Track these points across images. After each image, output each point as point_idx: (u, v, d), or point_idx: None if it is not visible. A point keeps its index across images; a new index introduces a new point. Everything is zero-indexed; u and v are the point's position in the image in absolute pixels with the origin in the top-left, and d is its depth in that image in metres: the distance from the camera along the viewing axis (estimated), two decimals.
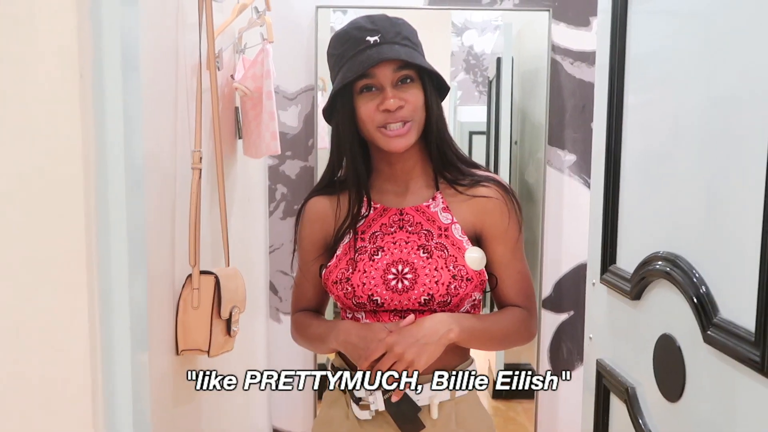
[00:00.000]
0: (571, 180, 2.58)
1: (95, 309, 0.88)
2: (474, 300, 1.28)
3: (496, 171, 3.06)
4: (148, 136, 1.13)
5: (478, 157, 3.79)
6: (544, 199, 2.57)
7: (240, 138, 2.15)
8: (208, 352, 1.35)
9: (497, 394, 3.14)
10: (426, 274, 1.22)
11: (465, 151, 4.06)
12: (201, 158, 1.48)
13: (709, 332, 1.22)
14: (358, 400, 1.24)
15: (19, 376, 0.81)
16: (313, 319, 1.36)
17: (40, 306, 0.82)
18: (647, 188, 1.52)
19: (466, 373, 1.28)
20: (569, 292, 2.60)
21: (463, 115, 4.06)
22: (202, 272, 1.39)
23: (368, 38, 1.19)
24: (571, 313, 2.61)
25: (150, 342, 1.17)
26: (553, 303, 2.61)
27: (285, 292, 2.63)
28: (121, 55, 0.93)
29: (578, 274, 2.59)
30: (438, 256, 1.23)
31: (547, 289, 2.60)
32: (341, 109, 1.24)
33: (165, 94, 1.40)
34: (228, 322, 1.43)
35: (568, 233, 2.58)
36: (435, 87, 1.26)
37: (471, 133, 4.04)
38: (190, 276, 1.39)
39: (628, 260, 1.60)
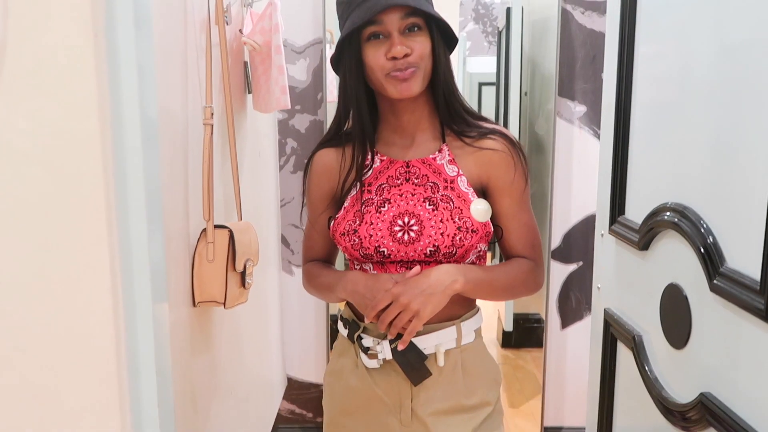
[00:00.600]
0: (581, 131, 2.58)
1: (116, 261, 0.90)
2: (479, 251, 1.30)
3: (505, 122, 3.06)
4: (160, 93, 1.14)
5: (488, 108, 3.77)
6: (553, 151, 2.57)
7: (249, 93, 2.15)
8: (224, 303, 1.38)
9: (506, 343, 3.20)
10: (432, 226, 1.24)
11: (474, 102, 4.06)
12: (212, 114, 1.49)
13: (715, 281, 1.24)
14: (366, 350, 1.27)
15: (46, 328, 0.84)
16: (322, 269, 1.39)
17: (63, 260, 0.85)
18: (657, 139, 1.52)
19: (472, 321, 1.31)
20: (578, 243, 2.62)
21: (472, 65, 4.03)
22: (216, 226, 1.41)
23: None
24: (580, 263, 2.63)
25: (168, 295, 1.20)
26: (562, 254, 2.63)
27: (296, 245, 2.66)
28: (134, 11, 0.94)
29: (587, 225, 2.60)
30: (444, 208, 1.25)
31: (556, 240, 2.62)
32: (349, 57, 1.23)
33: (175, 50, 1.40)
34: (242, 275, 1.46)
35: (578, 185, 2.58)
36: (443, 37, 1.25)
37: (480, 84, 4.02)
38: (204, 230, 1.41)
39: (636, 211, 1.61)
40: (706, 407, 1.27)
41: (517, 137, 2.87)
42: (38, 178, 0.81)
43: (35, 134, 0.81)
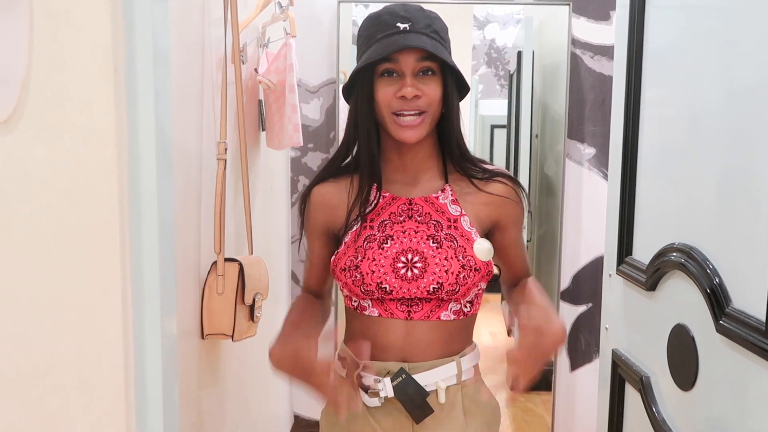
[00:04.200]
0: (590, 173, 2.60)
1: (128, 291, 0.92)
2: (479, 289, 1.30)
3: (516, 164, 3.08)
4: (176, 127, 1.17)
5: (499, 150, 3.81)
6: (563, 192, 2.59)
7: (263, 130, 2.19)
8: (232, 336, 1.39)
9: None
10: (436, 264, 1.24)
11: (486, 144, 4.09)
12: (226, 149, 1.52)
13: (721, 322, 1.24)
14: (366, 389, 1.26)
15: (57, 354, 0.85)
16: (295, 311, 1.35)
17: (77, 284, 0.87)
18: (664, 181, 1.53)
19: (470, 357, 1.31)
20: (587, 285, 2.61)
21: (484, 108, 4.08)
22: (227, 259, 1.43)
23: (399, 24, 1.21)
24: (590, 305, 2.62)
25: (176, 321, 1.22)
26: (572, 295, 2.63)
27: None
28: (153, 49, 0.97)
29: (596, 266, 2.60)
30: (448, 246, 1.25)
31: (565, 282, 2.62)
32: (360, 89, 1.25)
33: (191, 87, 1.44)
34: (251, 308, 1.47)
35: (587, 226, 2.59)
36: (456, 84, 1.27)
37: (492, 127, 4.06)
38: (215, 263, 1.43)
39: (643, 252, 1.62)
40: None
41: (527, 179, 2.90)
42: (55, 206, 0.84)
43: (54, 164, 0.83)
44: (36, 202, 0.79)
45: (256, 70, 2.08)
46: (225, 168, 1.50)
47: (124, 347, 0.91)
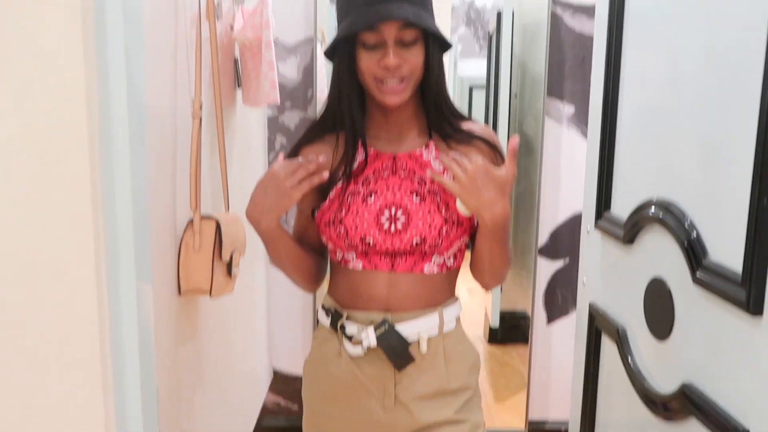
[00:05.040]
0: (569, 131, 2.60)
1: (101, 247, 0.91)
2: (462, 243, 1.31)
3: (495, 124, 3.07)
4: (148, 85, 1.15)
5: (478, 110, 3.79)
6: (542, 150, 2.59)
7: (239, 86, 2.16)
8: (210, 292, 1.39)
9: (492, 339, 3.21)
10: (419, 218, 1.25)
11: (465, 105, 4.07)
12: (201, 106, 1.49)
13: (698, 274, 1.26)
14: (350, 338, 1.28)
15: (30, 312, 0.84)
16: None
17: (49, 244, 0.85)
18: (643, 137, 1.54)
19: (452, 309, 1.32)
20: (565, 241, 2.64)
21: (463, 69, 4.05)
22: (203, 217, 1.42)
23: None
24: (566, 260, 2.65)
25: (153, 283, 1.21)
26: (549, 251, 2.65)
27: None
28: (123, 5, 0.94)
29: (574, 223, 2.62)
30: (431, 201, 1.26)
31: (543, 238, 2.64)
32: (342, 57, 1.25)
33: (165, 44, 1.41)
34: (229, 266, 1.46)
35: (565, 183, 2.60)
36: (439, 46, 1.27)
37: (471, 87, 4.04)
38: (191, 221, 1.42)
39: (622, 207, 1.63)
40: (688, 397, 1.29)
41: (506, 138, 2.90)
42: (23, 164, 0.82)
43: (23, 119, 0.81)
44: (3, 158, 0.77)
45: (231, 26, 2.04)
46: (200, 125, 1.48)
47: (98, 305, 0.90)
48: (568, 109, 2.59)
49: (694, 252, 1.29)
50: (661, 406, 1.41)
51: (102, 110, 0.91)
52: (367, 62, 1.22)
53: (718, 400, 1.22)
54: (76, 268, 0.89)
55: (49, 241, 0.86)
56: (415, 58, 1.23)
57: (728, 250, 1.20)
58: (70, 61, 0.86)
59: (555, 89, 2.58)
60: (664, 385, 1.41)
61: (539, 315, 2.69)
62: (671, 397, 1.35)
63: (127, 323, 0.96)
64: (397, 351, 1.27)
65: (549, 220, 2.63)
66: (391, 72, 1.22)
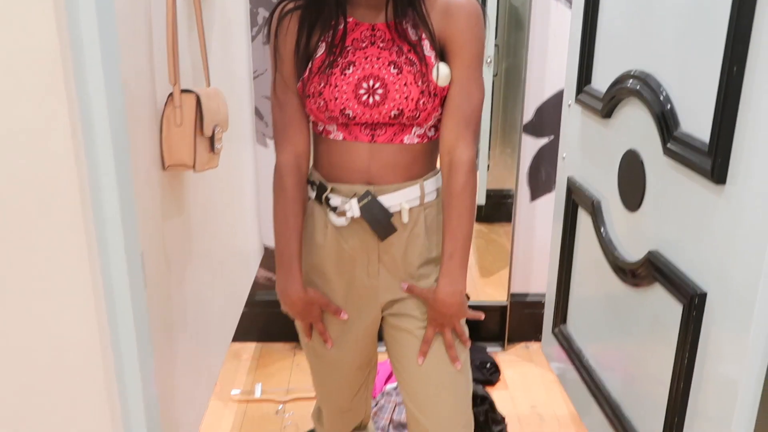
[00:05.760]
0: (557, 4, 2.54)
1: (77, 124, 0.92)
2: (440, 115, 1.30)
3: None
4: None
5: None
6: (529, 24, 2.54)
7: None
8: (194, 167, 1.40)
9: (479, 217, 3.28)
10: (396, 90, 1.25)
11: None
12: None
13: (668, 145, 1.29)
14: (334, 209, 1.32)
15: (11, 181, 0.86)
16: (288, 205, 1.36)
17: (22, 117, 0.86)
18: (625, 12, 1.52)
19: (433, 181, 1.35)
20: (550, 117, 2.63)
21: None
22: (183, 91, 1.41)
23: None
24: (551, 137, 2.66)
25: (136, 158, 1.22)
26: (534, 128, 2.65)
27: (270, 117, 2.65)
28: None
29: (560, 99, 2.60)
30: (407, 72, 1.25)
31: (528, 114, 2.63)
32: None
33: None
34: (212, 141, 1.47)
35: (552, 59, 2.57)
36: None
37: None
38: (171, 95, 1.41)
39: (602, 81, 1.63)
40: (653, 264, 1.35)
41: (495, 12, 2.83)
42: None
43: None
44: None
45: None
46: None
47: (78, 179, 0.93)
48: None
49: (666, 123, 1.31)
50: (629, 273, 1.47)
51: None
52: None
53: (680, 265, 1.28)
54: (52, 141, 0.90)
55: (21, 110, 0.87)
56: None
57: (699, 120, 1.22)
58: None
59: None
60: (633, 253, 1.47)
61: (523, 192, 2.72)
62: (638, 264, 1.42)
63: (108, 194, 0.99)
64: (379, 221, 1.31)
65: (535, 96, 2.61)
66: None
